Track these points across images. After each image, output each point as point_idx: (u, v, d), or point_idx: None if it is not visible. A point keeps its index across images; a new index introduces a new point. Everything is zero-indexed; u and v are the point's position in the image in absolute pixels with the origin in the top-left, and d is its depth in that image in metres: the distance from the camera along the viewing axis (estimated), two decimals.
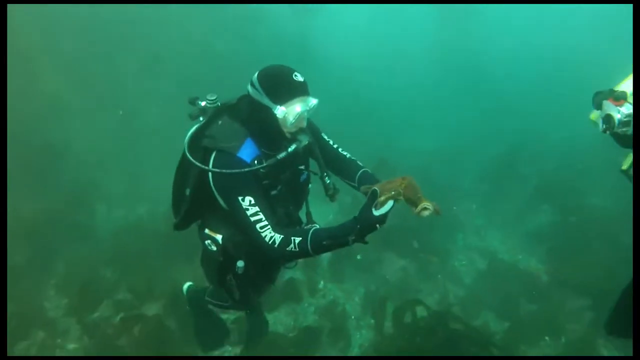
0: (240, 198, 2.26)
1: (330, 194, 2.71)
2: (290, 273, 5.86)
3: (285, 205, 2.64)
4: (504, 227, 7.26)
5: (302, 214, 2.91)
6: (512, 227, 7.20)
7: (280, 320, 5.24)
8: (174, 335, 4.57)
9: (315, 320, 5.30)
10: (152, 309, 5.06)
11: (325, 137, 2.81)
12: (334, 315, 5.30)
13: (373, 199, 2.09)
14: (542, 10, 16.10)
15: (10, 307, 4.71)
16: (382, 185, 2.16)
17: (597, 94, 2.25)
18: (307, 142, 2.38)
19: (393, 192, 2.09)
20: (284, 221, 2.64)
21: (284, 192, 2.58)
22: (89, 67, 9.05)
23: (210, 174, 2.35)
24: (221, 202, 2.43)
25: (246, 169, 2.28)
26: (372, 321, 5.13)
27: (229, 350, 4.61)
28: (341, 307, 5.50)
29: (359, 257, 6.34)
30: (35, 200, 6.54)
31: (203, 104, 2.56)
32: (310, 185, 2.88)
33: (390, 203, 2.10)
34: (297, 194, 2.77)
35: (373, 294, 5.59)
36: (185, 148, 2.46)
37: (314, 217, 2.91)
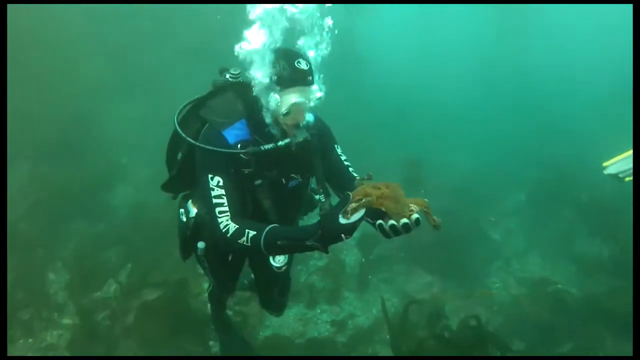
0: (210, 176, 2.11)
1: (322, 214, 2.35)
2: (309, 276, 5.57)
3: (267, 200, 2.35)
4: (545, 253, 6.65)
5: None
6: (553, 253, 6.58)
7: (287, 324, 4.87)
8: (167, 323, 4.30)
9: (327, 330, 4.92)
10: (151, 295, 4.79)
11: (338, 150, 2.45)
12: (346, 326, 4.88)
13: (343, 205, 1.82)
14: (606, 29, 15.20)
15: (17, 275, 4.65)
16: (360, 190, 1.83)
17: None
18: (301, 140, 2.09)
19: (364, 200, 1.77)
20: (256, 215, 2.33)
21: (266, 189, 2.31)
22: (130, 52, 9.13)
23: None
24: None
25: (220, 149, 2.12)
26: (387, 337, 4.64)
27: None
28: (357, 318, 5.08)
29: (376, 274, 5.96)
30: (60, 171, 6.51)
31: (228, 77, 2.39)
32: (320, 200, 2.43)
33: (360, 212, 1.79)
34: (283, 200, 2.43)
35: (393, 308, 5.14)
36: (176, 113, 2.34)
37: None
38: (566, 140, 10.16)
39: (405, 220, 1.72)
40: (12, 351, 3.96)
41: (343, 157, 2.43)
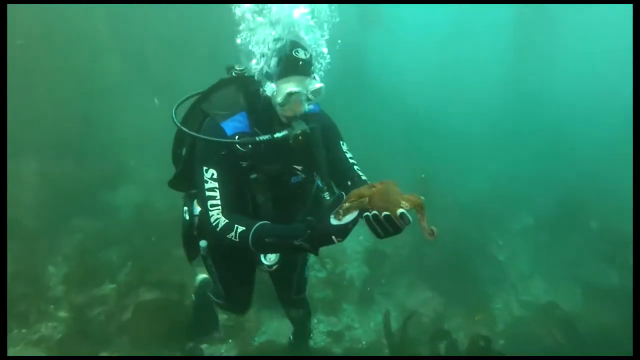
0: (204, 168, 2.08)
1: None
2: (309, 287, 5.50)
3: (264, 196, 2.28)
4: (551, 277, 6.51)
5: None
6: (559, 277, 6.45)
7: (284, 332, 4.78)
8: (162, 324, 4.28)
9: (323, 340, 4.85)
10: (148, 295, 4.80)
11: (344, 147, 2.37)
12: (342, 337, 4.80)
13: (336, 205, 1.76)
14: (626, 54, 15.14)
15: (17, 266, 4.68)
16: (354, 191, 1.76)
17: None
18: (299, 132, 2.02)
19: (354, 201, 1.70)
20: (250, 211, 2.28)
21: (264, 184, 2.25)
22: (144, 54, 9.28)
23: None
24: None
25: (213, 138, 2.08)
26: (387, 351, 4.55)
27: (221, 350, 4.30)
28: (354, 330, 5.00)
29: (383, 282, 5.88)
30: (67, 166, 6.56)
31: (234, 73, 2.38)
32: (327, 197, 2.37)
33: (353, 214, 1.73)
34: (283, 197, 2.34)
35: (393, 322, 5.03)
36: (174, 107, 2.32)
37: None
38: (580, 166, 10.05)
39: (386, 212, 1.64)
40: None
41: (348, 155, 2.35)
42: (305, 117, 2.12)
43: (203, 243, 2.49)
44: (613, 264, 6.38)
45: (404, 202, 1.67)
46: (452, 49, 15.35)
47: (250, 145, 2.12)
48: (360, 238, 6.87)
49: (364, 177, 2.26)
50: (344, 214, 1.72)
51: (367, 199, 1.70)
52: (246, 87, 2.21)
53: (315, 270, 5.93)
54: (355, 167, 2.31)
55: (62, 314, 4.42)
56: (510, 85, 13.94)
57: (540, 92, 13.43)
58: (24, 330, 4.13)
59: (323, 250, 1.90)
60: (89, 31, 8.59)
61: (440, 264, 6.02)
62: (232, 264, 2.71)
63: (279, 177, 2.28)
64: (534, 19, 14.40)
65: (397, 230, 1.68)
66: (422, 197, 1.73)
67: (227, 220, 1.95)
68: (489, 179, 9.59)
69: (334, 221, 1.74)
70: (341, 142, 2.38)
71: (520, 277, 6.54)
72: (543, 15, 14.25)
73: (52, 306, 4.48)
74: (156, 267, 5.23)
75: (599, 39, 15.30)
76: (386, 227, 1.67)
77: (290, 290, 3.17)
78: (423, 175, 7.09)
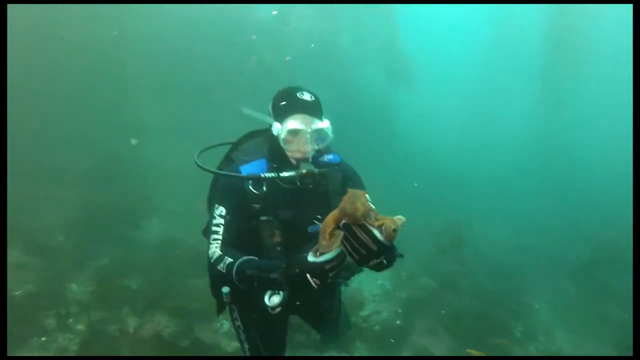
0: (216, 205, 2.16)
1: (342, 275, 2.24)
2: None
3: (272, 239, 2.20)
4: (575, 331, 6.27)
5: None
6: (583, 334, 6.16)
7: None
8: (171, 350, 4.39)
9: None
10: (162, 319, 4.97)
11: None
12: None
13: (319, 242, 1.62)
14: None
15: (42, 278, 4.92)
16: (328, 219, 1.58)
17: None
18: (304, 171, 2.04)
19: (332, 231, 1.54)
20: (253, 250, 2.12)
21: (276, 228, 2.19)
22: (182, 97, 10.01)
23: None
24: None
25: (220, 171, 2.21)
26: None
27: None
28: None
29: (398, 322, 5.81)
30: (100, 196, 6.98)
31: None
32: None
33: (333, 252, 1.56)
34: (296, 243, 2.18)
35: None
36: (199, 151, 2.38)
37: (360, 277, 2.43)
38: (612, 222, 9.80)
39: (360, 222, 1.48)
40: (25, 348, 4.11)
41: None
42: (325, 165, 2.16)
43: (225, 289, 2.28)
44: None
45: (373, 214, 1.53)
46: (478, 101, 15.69)
47: (265, 188, 2.15)
48: (379, 282, 6.92)
49: None
50: (324, 250, 1.56)
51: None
52: (271, 137, 2.23)
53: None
54: None
55: (80, 327, 4.57)
56: (538, 138, 14.00)
57: (568, 145, 13.39)
58: (43, 339, 4.28)
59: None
60: (129, 72, 9.40)
61: (459, 311, 5.99)
62: (259, 313, 2.41)
63: (293, 224, 2.23)
64: (561, 71, 14.60)
65: (374, 242, 1.50)
66: (402, 218, 1.56)
67: (220, 253, 1.99)
68: (513, 229, 9.51)
69: (311, 257, 1.62)
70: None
71: (542, 326, 6.32)
72: (570, 66, 14.44)
73: (71, 319, 4.64)
74: (173, 295, 5.40)
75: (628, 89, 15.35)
76: (361, 240, 1.50)
77: (323, 332, 2.99)
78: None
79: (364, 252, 1.51)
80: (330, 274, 1.62)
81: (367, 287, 6.78)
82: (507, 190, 11.64)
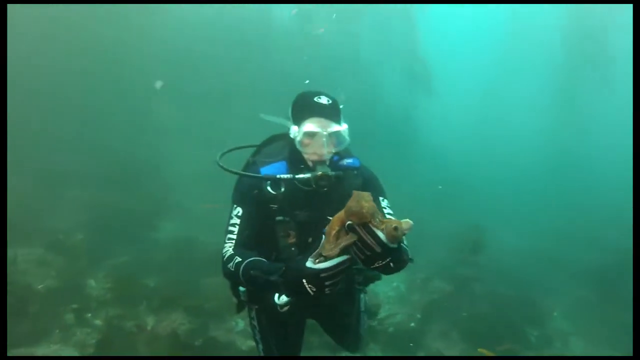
0: (234, 205, 2.22)
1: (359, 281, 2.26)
2: None
3: (287, 240, 2.22)
4: (593, 340, 6.19)
5: None
6: (601, 342, 6.10)
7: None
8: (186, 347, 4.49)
9: None
10: (178, 317, 5.05)
11: (382, 203, 2.28)
12: None
13: (321, 244, 1.63)
14: None
15: (61, 274, 5.06)
16: (334, 220, 1.58)
17: None
18: (319, 173, 2.05)
19: (337, 233, 1.53)
20: (268, 251, 2.20)
21: (292, 228, 2.21)
22: (200, 105, 10.17)
23: None
24: None
25: (239, 172, 2.24)
26: None
27: None
28: None
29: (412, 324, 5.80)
30: (119, 197, 7.13)
31: None
32: None
33: (332, 260, 1.55)
34: (314, 245, 2.06)
35: None
36: (221, 153, 2.41)
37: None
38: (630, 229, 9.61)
39: (364, 220, 1.48)
40: (45, 340, 4.23)
41: (387, 211, 2.25)
42: (343, 169, 2.17)
43: (242, 288, 2.30)
44: None
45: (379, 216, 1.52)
46: (494, 105, 15.57)
47: (282, 190, 2.17)
48: (394, 284, 6.95)
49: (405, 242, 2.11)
50: (327, 252, 1.55)
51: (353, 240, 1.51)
52: (291, 141, 2.24)
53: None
54: None
55: (98, 322, 4.67)
56: (555, 142, 13.83)
57: (586, 150, 13.22)
58: (62, 332, 4.38)
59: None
60: (149, 80, 9.59)
61: (474, 315, 5.99)
62: (275, 314, 2.34)
63: (309, 225, 2.21)
64: (579, 74, 14.41)
65: (378, 242, 1.49)
66: (410, 221, 1.52)
67: (232, 252, 2.02)
68: (530, 234, 9.42)
69: (309, 264, 1.60)
70: (381, 198, 2.30)
71: (558, 333, 6.24)
72: (588, 69, 14.25)
73: (90, 314, 4.74)
74: (189, 294, 5.50)
75: None
76: (365, 240, 1.50)
77: (341, 343, 2.87)
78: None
79: (368, 252, 1.50)
80: (328, 282, 1.59)
81: (382, 289, 6.80)
82: (524, 194, 11.50)
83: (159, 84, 7.68)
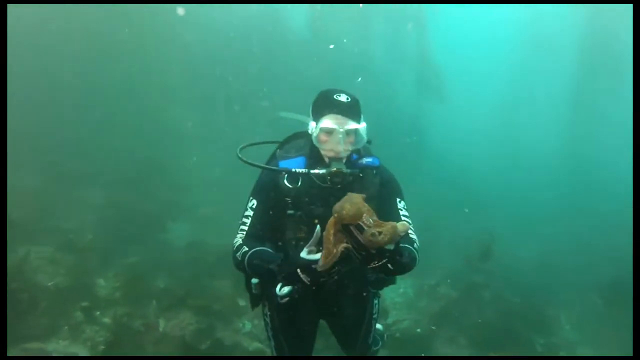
0: (250, 197, 2.27)
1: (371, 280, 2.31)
2: None
3: (294, 233, 2.25)
4: (599, 349, 6.11)
5: None
6: (609, 351, 5.97)
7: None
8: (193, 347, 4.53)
9: None
10: (186, 317, 5.04)
11: (399, 204, 2.28)
12: None
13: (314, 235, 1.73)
14: None
15: (71, 273, 5.13)
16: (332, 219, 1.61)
17: None
18: (334, 169, 2.07)
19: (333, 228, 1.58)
20: (280, 243, 2.26)
21: (304, 223, 2.23)
22: (214, 106, 10.28)
23: None
24: None
25: (256, 163, 2.26)
26: None
27: None
28: None
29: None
30: (132, 199, 7.23)
31: None
32: None
33: (323, 253, 1.62)
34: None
35: None
36: (241, 146, 2.43)
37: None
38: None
39: (358, 222, 1.51)
40: (56, 337, 4.30)
41: (402, 212, 2.26)
42: (360, 167, 2.19)
43: (254, 280, 2.36)
44: None
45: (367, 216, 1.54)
46: (508, 113, 15.46)
47: (299, 184, 2.21)
48: (401, 290, 6.94)
49: (413, 236, 2.15)
50: (325, 254, 1.59)
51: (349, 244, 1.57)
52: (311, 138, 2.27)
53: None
54: (411, 232, 2.15)
55: (106, 320, 4.73)
56: (569, 152, 13.70)
57: (600, 160, 13.07)
58: (72, 329, 4.45)
59: None
60: (164, 83, 9.73)
61: (482, 321, 5.96)
62: (285, 310, 2.43)
63: (322, 221, 2.09)
64: (596, 81, 14.25)
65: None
66: (405, 224, 1.56)
67: (241, 242, 2.09)
68: (540, 243, 9.36)
69: (303, 254, 1.70)
70: (398, 200, 2.31)
71: (565, 341, 6.22)
72: (606, 76, 14.10)
73: (98, 312, 4.81)
74: (198, 295, 5.51)
75: None
76: (359, 242, 1.54)
77: (350, 350, 2.79)
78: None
79: (363, 252, 1.56)
80: (321, 273, 1.66)
81: (389, 294, 6.76)
82: (538, 202, 11.40)
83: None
